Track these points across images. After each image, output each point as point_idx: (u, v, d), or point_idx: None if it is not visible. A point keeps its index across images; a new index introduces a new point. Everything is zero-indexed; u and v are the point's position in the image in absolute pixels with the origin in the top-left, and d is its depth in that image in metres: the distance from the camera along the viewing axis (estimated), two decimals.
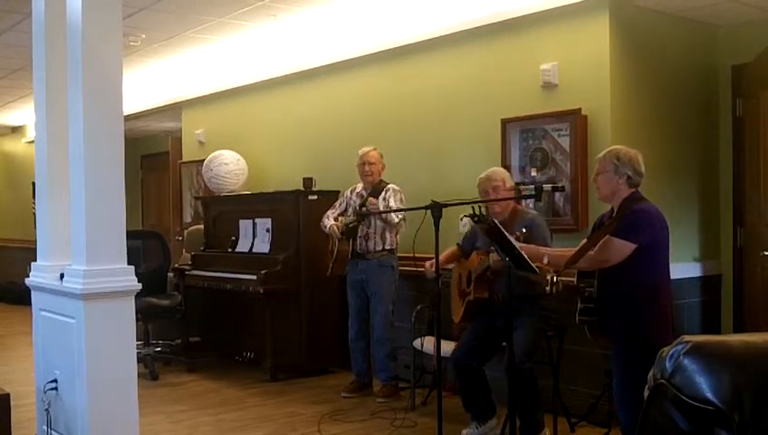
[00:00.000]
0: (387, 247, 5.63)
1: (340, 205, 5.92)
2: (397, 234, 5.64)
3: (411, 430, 4.89)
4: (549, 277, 3.70)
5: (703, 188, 5.46)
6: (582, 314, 3.78)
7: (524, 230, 4.02)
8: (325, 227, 5.84)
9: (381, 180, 5.71)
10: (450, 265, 4.83)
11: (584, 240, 4.04)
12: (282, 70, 7.25)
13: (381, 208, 5.51)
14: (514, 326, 3.89)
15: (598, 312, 3.76)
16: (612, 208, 3.81)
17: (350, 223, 5.65)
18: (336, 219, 5.82)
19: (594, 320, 3.76)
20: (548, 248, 4.08)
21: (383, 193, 5.64)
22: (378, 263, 5.63)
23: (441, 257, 4.65)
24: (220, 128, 8.35)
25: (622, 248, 3.58)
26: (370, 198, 5.55)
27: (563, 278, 3.99)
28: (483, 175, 4.58)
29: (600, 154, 3.82)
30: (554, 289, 3.73)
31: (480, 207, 4.13)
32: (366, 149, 5.71)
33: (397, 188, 5.66)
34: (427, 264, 4.60)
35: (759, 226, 5.29)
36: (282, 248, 6.44)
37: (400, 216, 5.52)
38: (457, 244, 4.84)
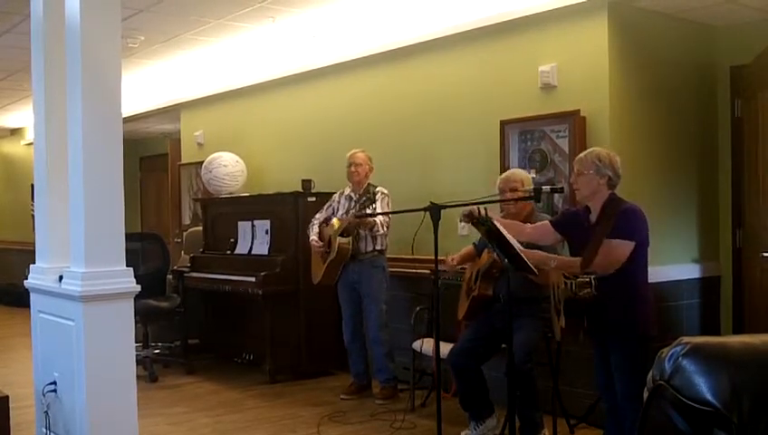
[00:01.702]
0: (377, 248, 5.64)
1: (327, 208, 5.92)
2: (386, 236, 5.65)
3: (410, 432, 4.89)
4: (588, 279, 3.69)
5: (702, 189, 5.46)
6: (567, 315, 3.78)
7: None
8: (310, 236, 5.86)
9: (369, 184, 5.71)
10: (465, 265, 4.81)
11: (545, 222, 4.04)
12: (280, 71, 7.26)
13: (371, 217, 5.51)
14: (515, 327, 3.89)
15: (588, 311, 3.76)
16: (588, 209, 3.83)
17: (343, 231, 5.61)
18: (326, 224, 5.81)
19: (579, 321, 3.76)
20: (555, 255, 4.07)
21: (372, 197, 5.62)
22: (370, 263, 5.64)
23: (458, 257, 4.65)
24: (219, 129, 8.35)
25: (625, 248, 3.64)
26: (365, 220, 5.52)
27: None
28: (502, 175, 4.63)
29: (581, 155, 3.86)
30: (593, 291, 3.72)
31: (479, 209, 4.12)
32: (353, 150, 5.72)
33: (385, 191, 5.66)
34: (449, 258, 4.59)
35: (758, 227, 5.29)
36: (280, 250, 6.44)
37: (384, 229, 5.56)
38: (473, 243, 4.82)
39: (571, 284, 3.68)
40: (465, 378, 4.52)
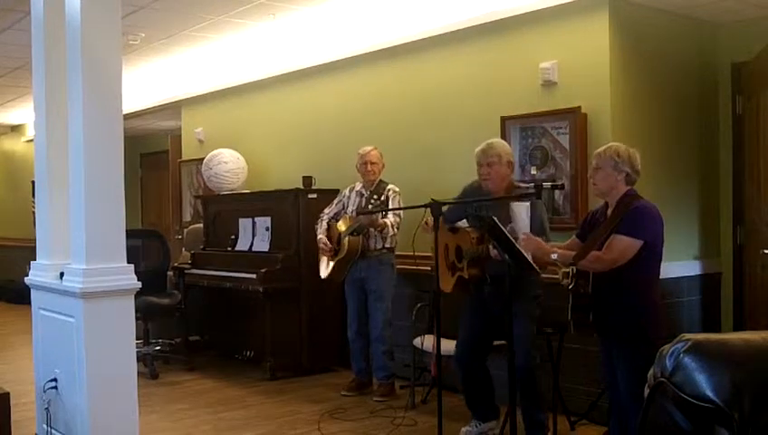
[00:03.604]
0: (387, 245, 5.63)
1: (336, 204, 5.91)
2: (394, 235, 5.64)
3: (411, 429, 4.89)
4: (568, 271, 3.67)
5: (702, 186, 5.46)
6: (575, 310, 3.77)
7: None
8: (317, 234, 5.85)
9: (381, 180, 5.71)
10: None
11: (572, 237, 4.04)
12: (281, 68, 7.25)
13: (380, 215, 5.50)
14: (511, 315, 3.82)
15: (593, 309, 3.75)
16: (606, 205, 3.82)
17: (353, 231, 5.61)
18: (335, 220, 5.82)
19: (585, 316, 3.75)
20: (554, 244, 4.05)
21: (384, 193, 5.62)
22: (378, 261, 5.63)
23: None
24: (219, 126, 8.35)
25: (631, 246, 3.60)
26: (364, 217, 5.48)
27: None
28: (479, 147, 4.37)
29: (600, 150, 3.81)
30: (573, 282, 3.70)
31: (478, 207, 4.10)
32: (367, 148, 5.70)
33: (397, 189, 5.64)
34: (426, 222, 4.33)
35: (759, 224, 5.29)
36: (281, 247, 6.44)
37: (394, 230, 5.55)
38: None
39: (560, 274, 3.69)
40: (471, 375, 4.50)
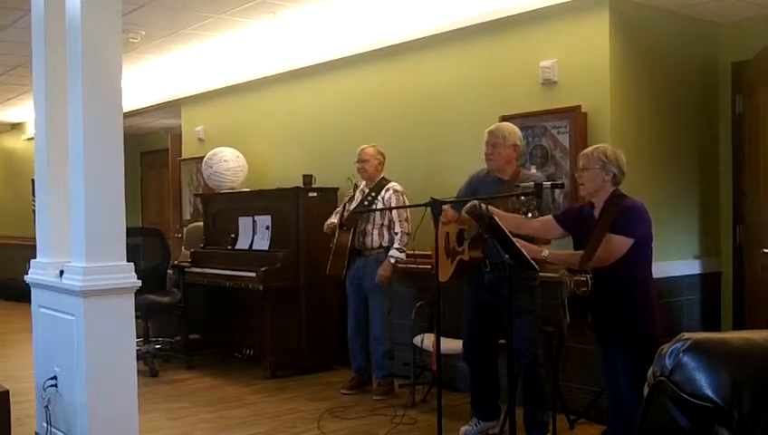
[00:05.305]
0: (384, 244, 5.62)
1: (346, 202, 5.91)
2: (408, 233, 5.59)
3: (411, 427, 4.89)
4: (585, 278, 3.67)
5: (702, 185, 5.46)
6: (574, 310, 3.78)
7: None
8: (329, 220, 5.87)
9: (383, 178, 5.70)
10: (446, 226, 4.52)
11: (549, 216, 4.04)
12: (281, 67, 7.25)
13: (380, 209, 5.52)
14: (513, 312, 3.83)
15: (592, 309, 3.76)
16: (591, 205, 3.83)
17: (343, 225, 5.62)
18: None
19: (584, 316, 3.76)
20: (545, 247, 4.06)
21: (383, 192, 5.61)
22: (375, 260, 5.61)
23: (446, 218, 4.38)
24: (220, 125, 8.35)
25: (623, 244, 3.62)
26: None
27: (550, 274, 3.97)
28: (487, 129, 4.47)
29: (587, 150, 3.85)
30: (589, 289, 3.68)
31: (480, 204, 4.10)
32: (362, 146, 5.71)
33: (398, 188, 5.62)
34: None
35: (759, 223, 5.28)
36: (281, 245, 6.44)
37: (403, 228, 5.52)
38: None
39: (570, 282, 3.68)
40: (481, 375, 4.51)
